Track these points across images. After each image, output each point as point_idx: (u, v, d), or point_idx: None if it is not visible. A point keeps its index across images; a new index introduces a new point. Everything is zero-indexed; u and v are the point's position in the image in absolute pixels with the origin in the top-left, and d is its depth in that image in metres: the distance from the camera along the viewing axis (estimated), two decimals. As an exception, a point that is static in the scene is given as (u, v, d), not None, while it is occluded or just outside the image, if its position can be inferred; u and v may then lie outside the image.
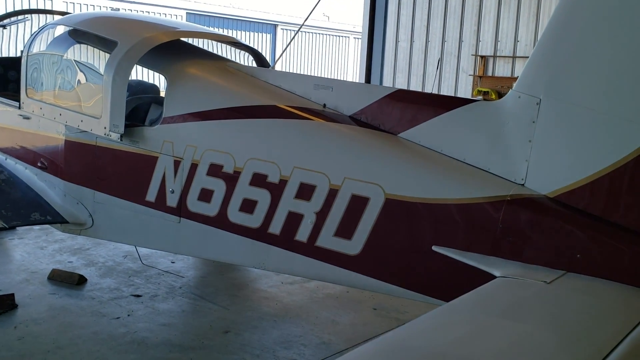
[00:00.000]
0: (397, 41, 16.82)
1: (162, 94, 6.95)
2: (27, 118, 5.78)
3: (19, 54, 8.05)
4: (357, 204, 3.96)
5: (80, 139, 5.29)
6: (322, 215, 4.11)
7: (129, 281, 6.82)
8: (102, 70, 5.07)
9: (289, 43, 6.01)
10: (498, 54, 15.14)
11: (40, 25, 5.81)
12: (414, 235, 3.79)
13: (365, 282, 4.02)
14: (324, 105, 4.51)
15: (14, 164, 6.02)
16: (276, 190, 4.29)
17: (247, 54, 6.11)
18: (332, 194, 4.05)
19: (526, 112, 3.53)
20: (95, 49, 5.51)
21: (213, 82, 4.95)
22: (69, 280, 6.67)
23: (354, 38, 37.69)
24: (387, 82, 16.90)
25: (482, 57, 15.33)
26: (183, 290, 6.66)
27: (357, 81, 17.28)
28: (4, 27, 6.91)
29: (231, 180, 4.49)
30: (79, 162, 5.39)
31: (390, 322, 6.11)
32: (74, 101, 5.45)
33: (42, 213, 5.41)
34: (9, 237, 8.06)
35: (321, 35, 35.89)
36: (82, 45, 5.61)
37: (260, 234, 4.41)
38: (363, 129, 4.23)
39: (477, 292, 2.95)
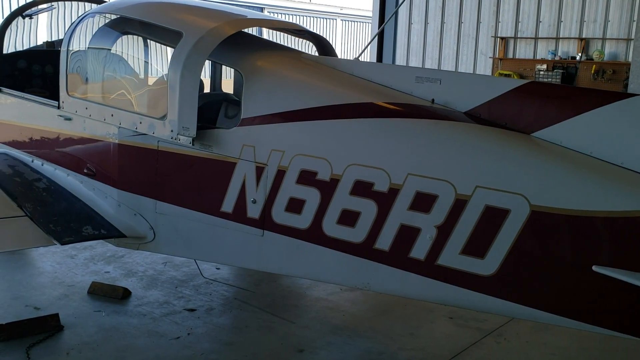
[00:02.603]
0: (410, 23, 16.24)
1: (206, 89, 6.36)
2: (69, 119, 5.16)
3: (38, 45, 7.41)
4: (493, 217, 3.42)
5: (137, 142, 4.69)
6: (445, 230, 3.58)
7: (177, 292, 6.26)
8: (164, 65, 4.47)
9: (376, 35, 5.36)
10: (519, 36, 14.61)
11: (80, 14, 5.16)
12: (569, 253, 3.27)
13: (501, 306, 3.50)
14: (433, 101, 3.96)
15: (53, 170, 5.41)
16: (385, 200, 3.74)
17: (310, 43, 5.51)
18: (459, 205, 3.51)
19: None
20: (151, 40, 4.89)
21: (296, 77, 4.36)
22: (112, 295, 6.10)
23: (341, 20, 36.95)
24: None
25: (502, 38, 14.80)
26: (239, 301, 6.11)
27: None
28: (29, 16, 6.25)
29: (327, 188, 3.94)
30: (136, 168, 4.79)
31: (473, 332, 5.62)
32: (129, 100, 4.84)
33: (95, 226, 4.82)
34: (34, 245, 7.43)
35: (307, 18, 35.10)
36: (133, 36, 4.99)
37: (364, 250, 3.87)
38: (489, 127, 3.68)
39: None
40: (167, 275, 6.71)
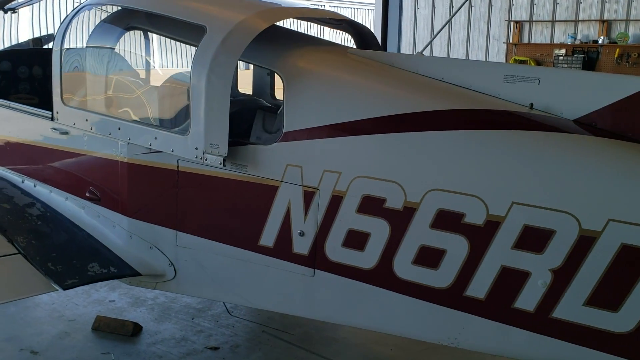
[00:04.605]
0: (416, 8, 15.40)
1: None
2: (65, 133, 4.31)
3: (22, 43, 6.56)
4: (632, 259, 2.63)
5: (151, 161, 3.86)
6: (564, 275, 2.79)
7: (194, 325, 5.44)
8: (182, 67, 3.62)
9: (444, 26, 4.53)
10: (534, 19, 13.80)
11: (76, 7, 4.29)
12: None
13: (642, 373, 2.72)
14: (531, 106, 3.15)
15: (48, 193, 4.56)
16: (480, 236, 2.94)
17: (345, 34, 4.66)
18: (585, 243, 2.72)
19: None
20: (164, 36, 4.03)
21: (352, 80, 3.53)
22: (121, 331, 5.27)
23: (329, 6, 36.06)
24: (407, 53, 15.52)
25: (516, 22, 13.98)
26: (268, 335, 5.30)
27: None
28: (12, 10, 5.36)
29: (400, 219, 3.13)
30: (150, 193, 3.96)
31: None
32: (140, 111, 4.00)
33: (103, 263, 3.99)
34: (27, 269, 6.57)
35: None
36: (143, 31, 4.12)
37: (450, 298, 3.08)
38: (612, 141, 2.88)
39: None
40: (180, 302, 5.88)
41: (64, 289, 3.72)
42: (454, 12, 14.65)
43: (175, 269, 3.95)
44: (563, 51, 13.26)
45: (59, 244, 4.13)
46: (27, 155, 4.73)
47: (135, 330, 5.27)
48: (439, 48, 15.15)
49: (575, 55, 13.00)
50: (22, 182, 4.73)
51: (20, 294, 3.81)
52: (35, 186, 4.65)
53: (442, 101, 3.25)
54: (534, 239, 2.82)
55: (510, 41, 14.01)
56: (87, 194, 4.27)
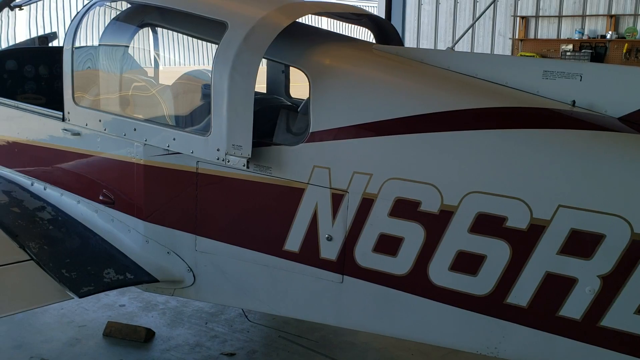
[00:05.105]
0: (420, 4, 15.23)
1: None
2: (77, 134, 4.15)
3: (27, 41, 6.41)
4: (690, 266, 2.49)
5: (169, 163, 3.70)
6: (614, 281, 2.65)
7: (208, 330, 5.28)
8: (201, 64, 3.47)
9: (473, 24, 4.39)
10: (541, 14, 13.65)
11: (86, 4, 4.13)
12: None
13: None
14: (573, 103, 3.00)
15: (59, 196, 4.40)
16: (523, 240, 2.80)
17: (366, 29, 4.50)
18: (638, 247, 2.57)
19: None
20: (180, 32, 3.88)
21: (382, 77, 3.38)
22: (133, 337, 5.11)
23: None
24: (410, 50, 15.35)
25: (522, 17, 13.83)
26: (284, 340, 5.15)
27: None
28: (19, 7, 5.20)
29: (436, 224, 2.98)
30: (168, 195, 3.80)
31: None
32: (157, 111, 3.84)
33: (119, 269, 3.83)
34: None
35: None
36: (158, 28, 3.96)
37: (490, 306, 2.94)
38: (665, 141, 2.74)
39: None
40: (192, 307, 5.73)
41: (80, 297, 3.57)
42: (458, 8, 14.50)
43: (194, 275, 3.80)
44: (570, 47, 13.12)
45: (72, 250, 3.97)
46: (36, 157, 4.57)
47: (147, 336, 5.12)
48: (443, 44, 15.00)
49: (583, 51, 12.87)
50: (32, 184, 4.58)
51: (34, 303, 3.66)
52: (45, 189, 4.49)
53: (478, 99, 3.10)
54: (581, 244, 2.68)
55: (516, 37, 13.87)
56: (101, 197, 4.12)
